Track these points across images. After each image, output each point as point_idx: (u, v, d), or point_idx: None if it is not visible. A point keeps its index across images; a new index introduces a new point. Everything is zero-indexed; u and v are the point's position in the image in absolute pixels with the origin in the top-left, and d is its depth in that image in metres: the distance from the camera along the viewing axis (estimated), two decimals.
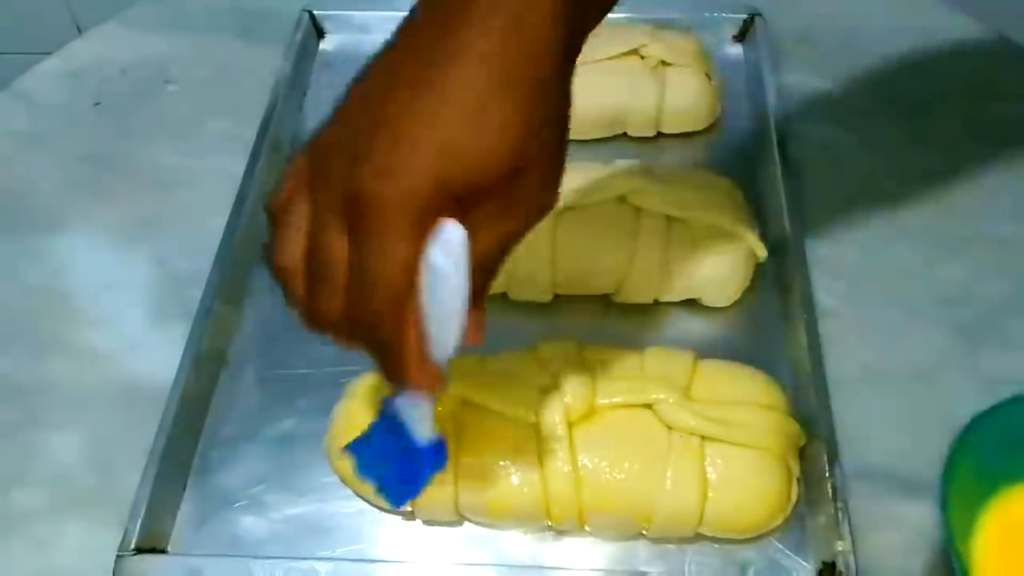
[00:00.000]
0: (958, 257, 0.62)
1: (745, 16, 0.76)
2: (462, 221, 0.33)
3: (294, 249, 0.35)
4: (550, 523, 0.50)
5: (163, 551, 0.51)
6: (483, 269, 0.35)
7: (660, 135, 0.70)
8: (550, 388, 0.49)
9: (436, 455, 0.41)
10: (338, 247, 0.34)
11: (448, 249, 0.33)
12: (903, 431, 0.54)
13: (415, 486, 0.41)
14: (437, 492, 0.49)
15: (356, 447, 0.44)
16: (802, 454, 0.51)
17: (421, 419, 0.40)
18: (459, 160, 0.32)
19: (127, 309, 0.62)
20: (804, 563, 0.50)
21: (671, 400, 0.48)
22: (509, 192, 0.34)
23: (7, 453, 0.56)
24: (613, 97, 0.68)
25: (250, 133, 0.68)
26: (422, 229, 0.33)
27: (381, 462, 0.43)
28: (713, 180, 0.61)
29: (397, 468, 0.42)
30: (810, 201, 0.64)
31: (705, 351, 0.54)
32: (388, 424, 0.41)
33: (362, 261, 0.33)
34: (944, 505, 0.40)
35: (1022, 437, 0.43)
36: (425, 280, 0.34)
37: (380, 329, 0.34)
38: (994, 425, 0.43)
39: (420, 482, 0.41)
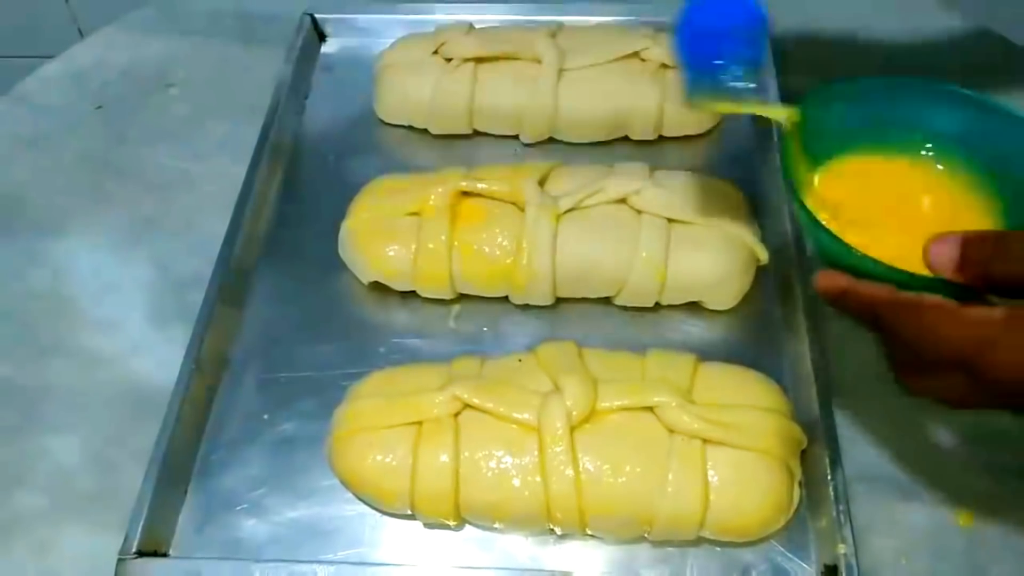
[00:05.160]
0: None
1: None
2: None
3: None
4: (552, 526, 0.50)
5: (164, 554, 0.51)
6: None
7: (661, 138, 0.70)
8: (551, 391, 0.49)
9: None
10: None
11: None
12: (905, 434, 0.54)
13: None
14: (438, 494, 0.49)
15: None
16: (803, 457, 0.51)
17: None
18: None
19: (128, 312, 0.62)
20: (806, 566, 0.50)
21: (673, 403, 0.48)
22: None
23: (8, 456, 0.56)
24: (614, 100, 0.68)
25: (251, 136, 0.68)
26: None
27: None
28: (714, 183, 0.61)
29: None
30: None
31: (706, 354, 0.54)
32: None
33: None
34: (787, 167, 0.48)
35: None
36: None
37: None
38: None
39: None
